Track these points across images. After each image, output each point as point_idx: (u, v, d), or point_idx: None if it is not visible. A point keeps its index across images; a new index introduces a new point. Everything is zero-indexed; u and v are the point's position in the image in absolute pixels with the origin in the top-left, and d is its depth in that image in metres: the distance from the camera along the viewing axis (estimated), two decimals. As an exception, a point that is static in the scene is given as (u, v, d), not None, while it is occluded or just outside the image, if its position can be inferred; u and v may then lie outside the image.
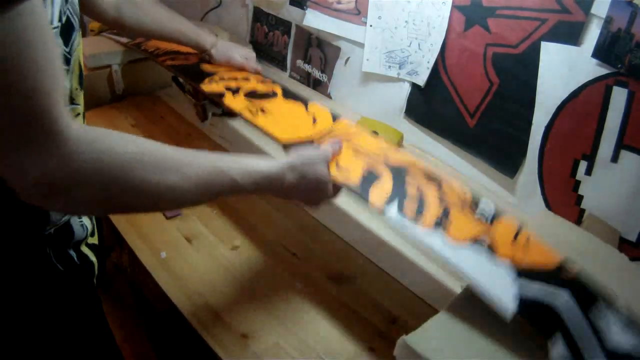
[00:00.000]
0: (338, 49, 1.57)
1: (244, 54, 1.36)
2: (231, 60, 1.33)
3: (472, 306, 0.79)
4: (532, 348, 0.74)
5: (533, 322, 0.73)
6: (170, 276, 1.00)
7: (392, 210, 0.84)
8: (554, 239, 1.03)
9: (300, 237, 1.15)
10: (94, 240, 0.91)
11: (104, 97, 1.56)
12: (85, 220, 0.85)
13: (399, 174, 0.94)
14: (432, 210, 0.86)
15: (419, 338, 0.75)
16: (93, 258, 0.88)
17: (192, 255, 1.06)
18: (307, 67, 1.71)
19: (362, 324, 0.95)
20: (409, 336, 0.75)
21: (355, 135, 1.05)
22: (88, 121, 1.44)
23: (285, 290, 1.01)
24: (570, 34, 1.05)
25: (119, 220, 1.12)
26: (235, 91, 1.18)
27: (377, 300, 1.01)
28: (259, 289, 1.00)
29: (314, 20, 1.58)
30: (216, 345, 0.88)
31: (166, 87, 1.68)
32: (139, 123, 1.49)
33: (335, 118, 1.11)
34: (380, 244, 1.12)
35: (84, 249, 0.86)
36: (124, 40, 1.53)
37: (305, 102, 1.17)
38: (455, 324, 0.78)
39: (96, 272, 0.90)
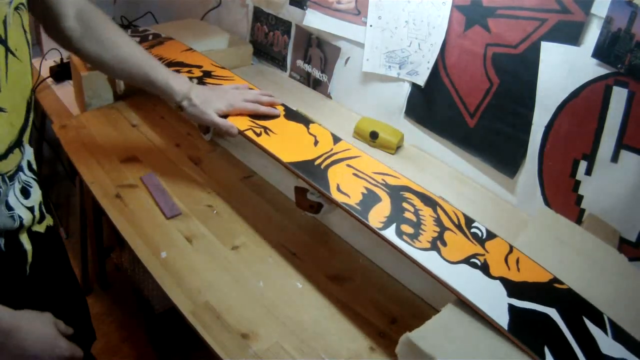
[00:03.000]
0: (338, 49, 1.58)
1: (229, 105, 1.15)
2: (205, 118, 1.13)
3: (472, 306, 0.80)
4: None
5: (523, 339, 0.75)
6: (170, 276, 1.00)
7: (390, 231, 0.90)
8: (553, 238, 1.04)
9: (300, 237, 1.15)
10: (40, 228, 0.91)
11: (106, 97, 1.56)
12: (20, 211, 0.84)
13: (397, 196, 0.99)
14: (428, 231, 0.92)
15: (423, 335, 0.75)
16: (28, 246, 0.87)
17: (192, 255, 1.06)
18: (307, 67, 1.71)
19: (362, 323, 0.95)
20: (412, 333, 0.75)
21: (355, 157, 1.10)
22: (89, 122, 1.45)
23: (285, 290, 1.01)
24: (570, 34, 1.05)
25: (119, 220, 1.12)
26: None
27: (378, 300, 1.01)
28: (259, 289, 1.00)
29: (314, 20, 1.58)
30: (216, 345, 0.88)
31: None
32: (139, 123, 1.49)
33: (336, 140, 1.15)
34: (381, 244, 1.12)
35: (23, 238, 0.86)
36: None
37: (307, 123, 1.21)
38: (458, 321, 0.79)
39: (30, 259, 0.88)
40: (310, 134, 1.17)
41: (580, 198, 1.13)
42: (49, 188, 2.33)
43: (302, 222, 1.19)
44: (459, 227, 0.95)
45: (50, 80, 1.78)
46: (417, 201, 0.99)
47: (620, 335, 0.80)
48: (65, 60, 1.78)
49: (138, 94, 1.62)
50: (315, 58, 1.66)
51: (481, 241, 0.92)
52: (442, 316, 0.79)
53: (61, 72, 1.77)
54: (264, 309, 0.96)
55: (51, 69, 1.77)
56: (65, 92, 1.70)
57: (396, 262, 1.06)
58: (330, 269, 1.07)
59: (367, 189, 1.00)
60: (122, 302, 2.04)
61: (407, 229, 0.91)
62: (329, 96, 1.66)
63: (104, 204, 1.16)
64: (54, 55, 1.82)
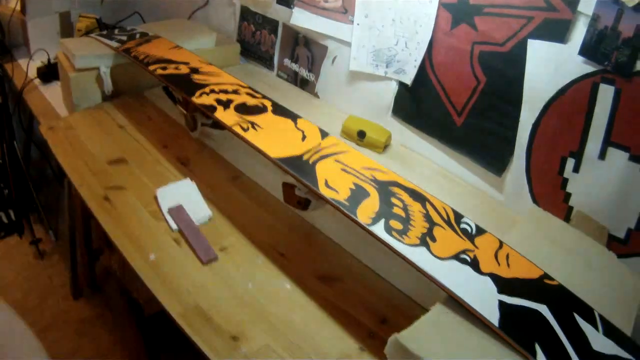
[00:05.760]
0: (325, 47, 1.57)
1: None
2: None
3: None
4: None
5: (514, 336, 0.75)
6: (159, 278, 1.00)
7: (379, 227, 0.89)
8: (542, 236, 1.04)
9: (288, 237, 1.14)
10: None
11: (94, 98, 1.55)
12: None
13: (386, 192, 0.99)
14: (417, 227, 0.91)
15: (411, 336, 0.75)
16: None
17: (181, 257, 1.05)
18: (295, 66, 1.70)
19: (352, 323, 0.95)
20: (400, 334, 0.75)
21: (343, 152, 1.10)
22: (76, 123, 1.44)
23: (274, 291, 1.01)
24: (557, 31, 1.06)
25: (108, 223, 1.11)
26: (226, 105, 1.21)
27: (367, 300, 1.01)
28: (248, 290, 1.00)
29: (301, 19, 1.57)
30: (206, 348, 0.87)
31: (154, 87, 1.67)
32: (126, 124, 1.48)
33: (323, 135, 1.15)
34: (370, 243, 1.12)
35: None
36: (114, 44, 1.52)
37: (294, 118, 1.20)
38: (447, 322, 0.79)
39: None
40: (298, 128, 1.16)
41: (568, 195, 1.13)
42: (38, 190, 2.31)
43: (291, 223, 1.19)
44: (448, 222, 0.94)
45: (37, 81, 1.77)
46: (406, 196, 0.99)
47: (610, 331, 0.80)
48: (52, 61, 1.77)
49: (125, 95, 1.61)
50: (303, 57, 1.66)
51: (471, 237, 0.92)
52: (431, 316, 0.79)
53: (48, 73, 1.76)
54: (254, 310, 0.96)
55: (38, 69, 1.76)
56: (52, 93, 1.69)
57: (385, 262, 1.06)
58: (319, 269, 1.07)
59: (355, 184, 0.99)
60: (112, 305, 2.03)
61: (396, 224, 0.91)
62: (316, 95, 1.66)
63: (92, 207, 1.15)
64: (41, 55, 1.81)
